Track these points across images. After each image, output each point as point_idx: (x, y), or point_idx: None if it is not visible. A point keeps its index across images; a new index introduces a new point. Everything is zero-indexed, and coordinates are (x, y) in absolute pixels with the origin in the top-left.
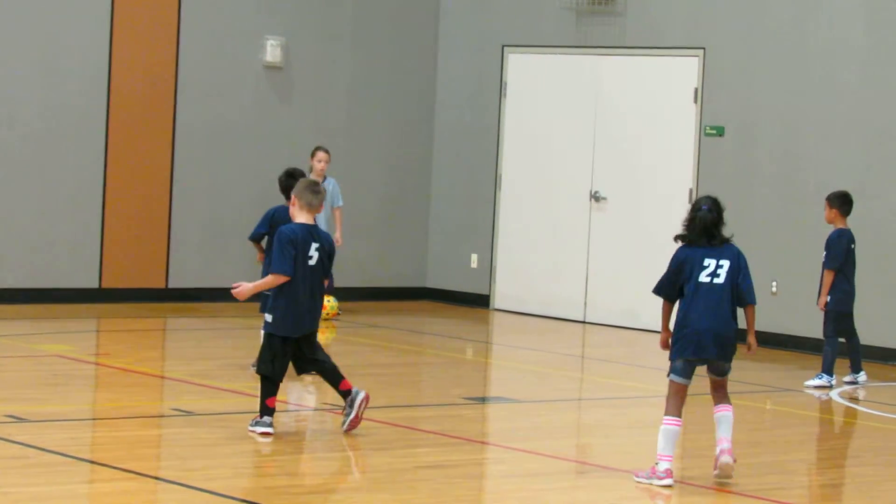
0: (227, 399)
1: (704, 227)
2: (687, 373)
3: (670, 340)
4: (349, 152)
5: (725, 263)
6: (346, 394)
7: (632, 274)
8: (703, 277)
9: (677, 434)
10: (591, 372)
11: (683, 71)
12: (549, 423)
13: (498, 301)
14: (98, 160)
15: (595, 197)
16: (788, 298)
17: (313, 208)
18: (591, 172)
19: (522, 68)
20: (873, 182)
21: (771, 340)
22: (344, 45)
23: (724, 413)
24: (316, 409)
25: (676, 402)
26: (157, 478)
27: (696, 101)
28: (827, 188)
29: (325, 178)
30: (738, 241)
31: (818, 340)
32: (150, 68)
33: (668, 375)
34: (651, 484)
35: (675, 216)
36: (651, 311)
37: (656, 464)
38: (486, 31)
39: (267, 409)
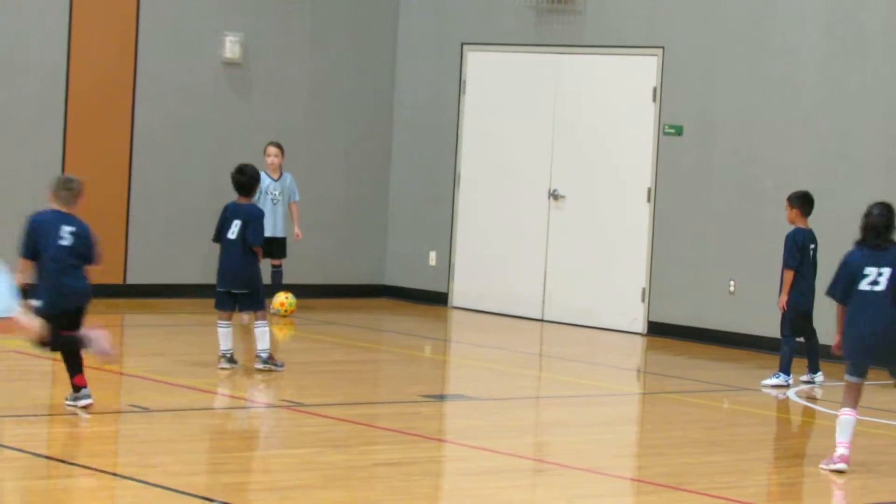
0: (185, 395)
1: (873, 231)
2: (857, 372)
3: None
4: (308, 149)
5: (886, 271)
6: (76, 388)
7: (590, 272)
8: (864, 286)
9: (852, 423)
10: (549, 370)
11: (642, 70)
12: (506, 421)
13: (456, 299)
14: (56, 156)
15: (553, 195)
16: (746, 298)
17: (60, 200)
18: (549, 171)
19: (481, 66)
20: (830, 182)
21: (728, 339)
22: (303, 42)
23: None
24: (273, 406)
25: (849, 396)
26: (114, 474)
27: (654, 100)
28: (785, 188)
29: (280, 173)
30: (695, 241)
31: (775, 340)
32: (109, 63)
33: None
34: (829, 468)
35: (633, 215)
36: (609, 309)
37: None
38: (445, 28)
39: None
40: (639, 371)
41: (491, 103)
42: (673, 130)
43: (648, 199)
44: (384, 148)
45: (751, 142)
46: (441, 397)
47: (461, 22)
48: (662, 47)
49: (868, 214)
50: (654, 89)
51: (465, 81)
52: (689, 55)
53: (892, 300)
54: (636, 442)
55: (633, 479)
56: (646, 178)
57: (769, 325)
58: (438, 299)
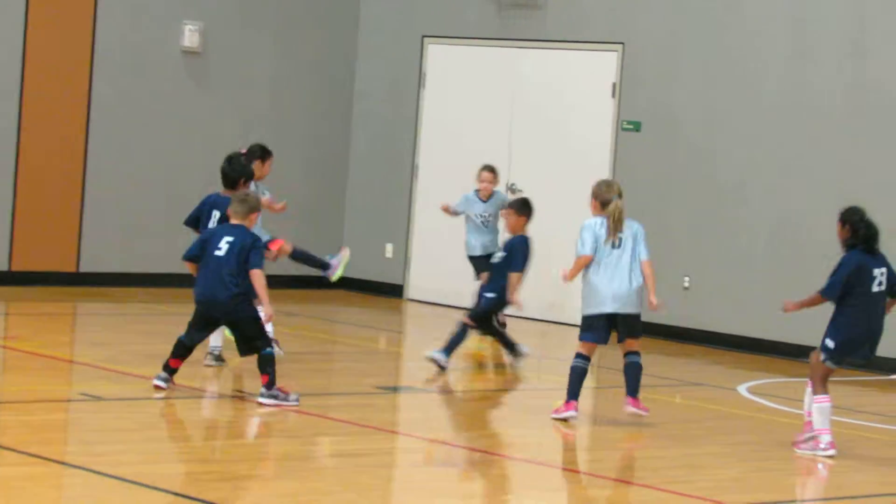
0: (136, 384)
1: (872, 237)
2: (840, 362)
3: (833, 341)
4: (266, 140)
5: (884, 270)
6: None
7: (547, 267)
8: (875, 287)
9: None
10: (504, 363)
11: (602, 65)
12: (459, 414)
13: (412, 291)
14: (10, 142)
15: (511, 189)
16: (700, 293)
17: (236, 215)
18: (508, 165)
19: (442, 59)
20: (788, 180)
21: (682, 335)
22: (263, 32)
23: None
24: (226, 397)
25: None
26: (63, 463)
27: (614, 96)
28: (742, 185)
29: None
30: (651, 237)
31: (728, 335)
32: (65, 49)
33: (825, 361)
34: (815, 455)
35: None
36: (565, 303)
37: (817, 437)
38: (406, 21)
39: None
40: (592, 365)
41: (451, 96)
42: (631, 126)
43: None
44: (343, 139)
45: (709, 139)
46: (395, 389)
47: (423, 14)
48: (623, 43)
49: (860, 222)
50: (614, 85)
51: (425, 74)
52: (649, 51)
53: (885, 298)
54: (588, 435)
55: (584, 473)
56: (604, 174)
57: (722, 321)
58: (394, 291)
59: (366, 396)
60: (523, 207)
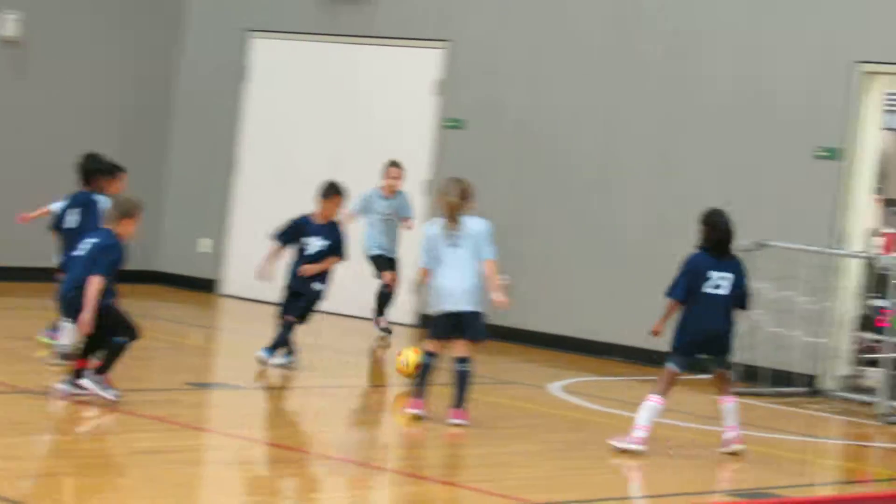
0: None
1: (720, 241)
2: (683, 364)
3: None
4: (85, 131)
5: (729, 276)
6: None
7: (363, 263)
8: (708, 289)
9: (659, 410)
10: (317, 360)
11: (429, 62)
12: (270, 411)
13: (227, 287)
14: None
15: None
16: (515, 292)
17: (107, 219)
18: (333, 161)
19: (267, 54)
20: (609, 178)
21: (498, 333)
22: (85, 22)
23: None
24: (29, 392)
25: (665, 385)
26: None
27: (439, 93)
28: (563, 184)
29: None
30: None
31: (544, 334)
32: None
33: (667, 363)
34: (623, 447)
35: (415, 206)
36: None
37: (633, 431)
38: (231, 14)
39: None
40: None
41: (275, 91)
42: (455, 124)
43: (429, 191)
44: (162, 133)
45: (533, 137)
46: (205, 386)
47: (248, 8)
48: (450, 40)
49: (713, 225)
50: (439, 82)
51: (249, 68)
52: (476, 48)
53: (732, 304)
54: (400, 433)
55: (393, 471)
56: (427, 171)
57: (538, 320)
58: (209, 287)
59: (175, 392)
60: (333, 191)
